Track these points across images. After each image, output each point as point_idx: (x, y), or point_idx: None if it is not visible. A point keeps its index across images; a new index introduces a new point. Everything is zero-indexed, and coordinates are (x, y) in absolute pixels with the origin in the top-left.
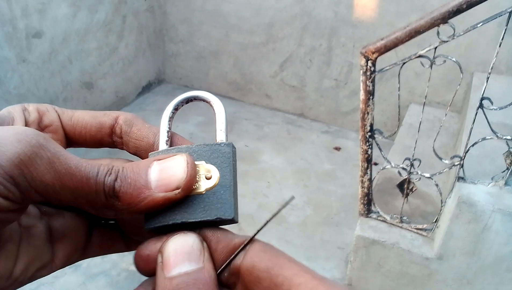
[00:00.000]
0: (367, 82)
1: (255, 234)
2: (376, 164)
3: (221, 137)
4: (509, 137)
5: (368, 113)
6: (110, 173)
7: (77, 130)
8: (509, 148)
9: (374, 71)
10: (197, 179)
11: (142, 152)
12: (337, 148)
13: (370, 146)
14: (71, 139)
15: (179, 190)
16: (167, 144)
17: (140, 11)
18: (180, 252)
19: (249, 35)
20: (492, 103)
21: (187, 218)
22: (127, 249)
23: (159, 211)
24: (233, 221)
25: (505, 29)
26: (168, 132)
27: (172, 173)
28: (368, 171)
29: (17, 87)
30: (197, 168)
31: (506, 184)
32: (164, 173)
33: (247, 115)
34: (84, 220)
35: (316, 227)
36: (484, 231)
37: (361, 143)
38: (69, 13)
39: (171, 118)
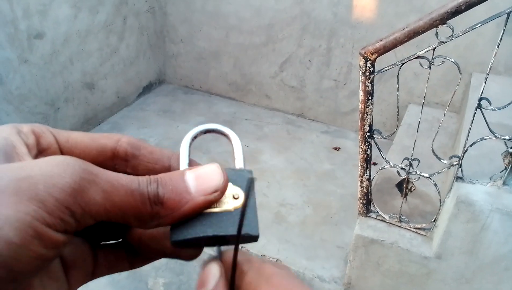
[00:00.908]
0: (366, 82)
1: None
2: (375, 164)
3: (240, 165)
4: (507, 137)
5: (367, 113)
6: (151, 182)
7: (75, 153)
8: (507, 148)
9: (373, 71)
10: (224, 199)
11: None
12: (337, 148)
13: (369, 146)
14: None
15: (217, 193)
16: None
17: (141, 12)
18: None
19: (249, 36)
20: (490, 103)
21: (218, 232)
22: (131, 267)
23: (186, 225)
24: (256, 238)
25: (504, 30)
26: (187, 156)
27: (208, 178)
28: (367, 171)
29: (18, 87)
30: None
31: (504, 183)
32: (200, 179)
33: (247, 115)
34: (89, 244)
35: (316, 227)
36: (483, 231)
37: (360, 143)
38: (70, 14)
39: (190, 144)
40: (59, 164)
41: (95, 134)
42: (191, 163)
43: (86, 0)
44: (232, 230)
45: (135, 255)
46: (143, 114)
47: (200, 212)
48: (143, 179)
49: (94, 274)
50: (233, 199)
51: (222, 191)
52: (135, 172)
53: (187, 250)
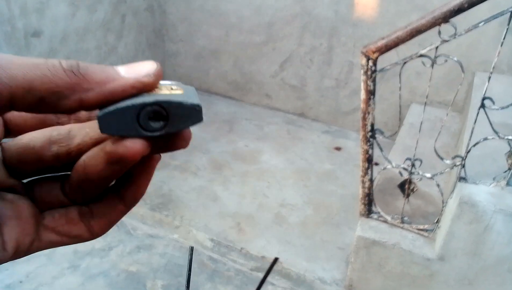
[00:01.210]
0: (368, 81)
1: None
2: (377, 164)
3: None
4: (510, 137)
5: (369, 112)
6: (66, 60)
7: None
8: (511, 148)
9: (375, 70)
10: (161, 90)
11: None
12: (338, 148)
13: (371, 146)
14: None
15: (151, 75)
16: None
17: (140, 11)
18: None
19: (249, 35)
20: (493, 102)
21: (151, 99)
22: (90, 234)
23: (116, 104)
24: (199, 111)
25: (507, 29)
26: None
27: (141, 65)
28: (369, 171)
29: None
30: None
31: (508, 184)
32: (131, 66)
33: (247, 115)
34: (29, 202)
35: (317, 228)
36: (486, 232)
37: (362, 143)
38: (68, 12)
39: None
40: None
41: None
42: None
43: None
44: (168, 98)
45: (89, 215)
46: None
47: (132, 95)
48: (53, 59)
49: (40, 237)
50: (171, 90)
51: (156, 75)
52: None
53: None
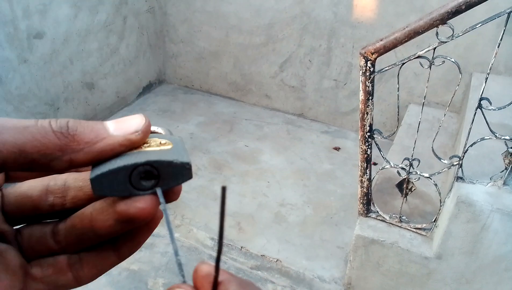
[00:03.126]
0: (367, 82)
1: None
2: (375, 164)
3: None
4: (507, 137)
5: (367, 113)
6: (56, 121)
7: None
8: (507, 148)
9: (374, 71)
10: (151, 144)
11: None
12: (337, 148)
13: (370, 146)
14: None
15: (138, 132)
16: None
17: (141, 12)
18: None
19: (249, 36)
20: (490, 103)
21: (142, 158)
22: (77, 283)
23: (107, 163)
24: (189, 169)
25: (504, 30)
26: None
27: (129, 121)
28: (368, 171)
29: (18, 87)
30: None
31: (504, 184)
32: (120, 121)
33: (247, 115)
34: (17, 252)
35: (316, 227)
36: (483, 231)
37: (361, 143)
38: (70, 14)
39: None
40: None
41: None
42: None
43: None
44: (158, 157)
45: (78, 264)
46: (143, 114)
47: (121, 152)
48: (44, 120)
49: (27, 287)
50: (160, 144)
51: (144, 131)
52: None
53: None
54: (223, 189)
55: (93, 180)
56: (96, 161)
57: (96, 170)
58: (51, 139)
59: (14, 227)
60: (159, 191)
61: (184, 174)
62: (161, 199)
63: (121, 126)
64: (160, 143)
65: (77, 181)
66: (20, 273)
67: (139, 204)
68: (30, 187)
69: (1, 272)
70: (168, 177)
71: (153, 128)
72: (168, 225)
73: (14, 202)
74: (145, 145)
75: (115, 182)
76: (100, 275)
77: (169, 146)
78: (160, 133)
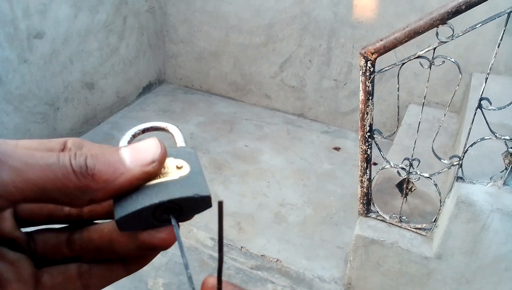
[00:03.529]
0: (367, 82)
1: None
2: (375, 164)
3: (181, 145)
4: (507, 137)
5: (367, 113)
6: (76, 157)
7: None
8: (507, 148)
9: (374, 71)
10: (168, 170)
11: None
12: (337, 148)
13: (370, 146)
14: None
15: (155, 163)
16: None
17: (141, 12)
18: None
19: (249, 36)
20: (490, 103)
21: (164, 197)
22: (84, 288)
23: (129, 200)
24: (209, 200)
25: (504, 30)
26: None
27: (145, 149)
28: (368, 171)
29: (18, 87)
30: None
31: (504, 184)
32: (136, 150)
33: (247, 115)
34: (29, 261)
35: (316, 227)
36: (483, 231)
37: (361, 143)
38: (70, 14)
39: (129, 142)
40: None
41: (43, 140)
42: None
43: None
44: (180, 193)
45: (87, 274)
46: (143, 114)
47: (140, 185)
48: (64, 154)
49: None
50: (176, 169)
51: (160, 161)
52: None
53: (144, 235)
54: (220, 205)
55: (118, 222)
56: (114, 196)
57: (119, 208)
58: (72, 179)
59: (23, 230)
60: (174, 221)
61: (204, 205)
62: (177, 232)
63: (137, 157)
64: (177, 167)
65: None
66: (31, 282)
67: (163, 235)
68: None
69: (14, 281)
70: (189, 210)
71: (162, 125)
72: (181, 247)
73: (29, 209)
74: (163, 170)
75: (139, 220)
76: (107, 285)
77: (187, 170)
78: (169, 132)
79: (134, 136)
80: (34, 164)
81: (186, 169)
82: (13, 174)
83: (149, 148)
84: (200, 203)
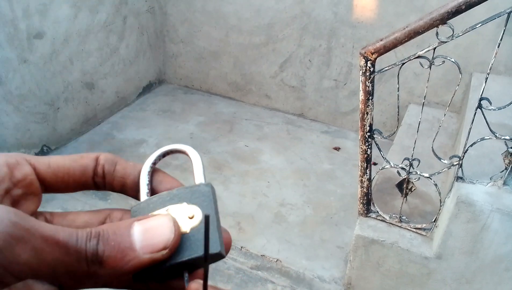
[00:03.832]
0: (367, 82)
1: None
2: (375, 164)
3: (200, 179)
4: (507, 137)
5: (367, 113)
6: (90, 238)
7: (59, 177)
8: (507, 148)
9: (374, 71)
10: (180, 218)
11: (128, 189)
12: (337, 148)
13: (370, 146)
14: (51, 187)
15: (166, 251)
16: (147, 196)
17: (141, 12)
18: None
19: (249, 36)
20: (490, 103)
21: (175, 259)
22: None
23: None
24: (220, 255)
25: (504, 30)
26: (147, 185)
27: (158, 232)
28: (368, 171)
29: (18, 87)
30: (180, 228)
31: (504, 184)
32: (149, 233)
33: (247, 115)
34: None
35: (316, 227)
36: (483, 231)
37: (361, 143)
38: (70, 14)
39: (149, 173)
40: None
41: (74, 155)
42: (154, 177)
43: None
44: (189, 254)
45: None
46: (143, 114)
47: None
48: (82, 234)
49: None
50: (188, 219)
51: (172, 249)
52: (111, 188)
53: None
54: (207, 219)
55: (134, 279)
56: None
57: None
58: (82, 265)
59: None
60: (186, 277)
61: (215, 258)
62: (187, 283)
63: (149, 242)
64: (189, 217)
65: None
66: None
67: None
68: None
69: None
70: (200, 262)
71: (182, 149)
72: None
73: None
74: None
75: (151, 275)
76: None
77: (198, 220)
78: (188, 157)
79: (154, 163)
80: (54, 245)
81: (197, 219)
82: (31, 255)
83: (162, 231)
84: (212, 259)
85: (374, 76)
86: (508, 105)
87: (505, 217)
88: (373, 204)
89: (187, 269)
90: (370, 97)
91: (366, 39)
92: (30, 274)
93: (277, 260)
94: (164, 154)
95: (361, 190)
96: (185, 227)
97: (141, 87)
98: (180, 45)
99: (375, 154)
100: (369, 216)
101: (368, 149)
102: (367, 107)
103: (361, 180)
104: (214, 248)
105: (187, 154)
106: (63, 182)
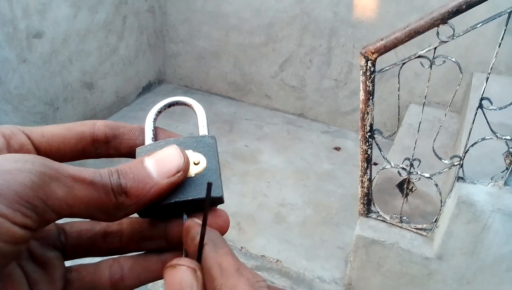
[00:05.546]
0: (367, 82)
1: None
2: (376, 164)
3: (204, 132)
4: (508, 137)
5: (368, 113)
6: (112, 174)
7: (54, 146)
8: (508, 148)
9: (374, 71)
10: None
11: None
12: (337, 148)
13: (370, 146)
14: (47, 156)
15: (180, 173)
16: (152, 141)
17: (141, 12)
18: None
19: (249, 36)
20: (491, 103)
21: (180, 198)
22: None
23: None
24: (221, 199)
25: (505, 30)
26: (152, 130)
27: (168, 160)
28: (368, 171)
29: (17, 87)
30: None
31: (505, 184)
32: (160, 162)
33: (247, 115)
34: (60, 261)
35: (316, 227)
36: (484, 231)
37: (361, 143)
38: (69, 14)
39: (155, 119)
40: (17, 161)
41: (69, 124)
42: (157, 134)
43: None
44: (193, 195)
45: (119, 275)
46: (142, 114)
47: (167, 194)
48: (104, 171)
49: None
50: (193, 165)
51: (185, 170)
52: (117, 152)
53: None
54: (209, 186)
55: (140, 214)
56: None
57: (146, 213)
58: (111, 198)
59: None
60: (185, 217)
61: (216, 202)
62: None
63: (163, 169)
64: (194, 163)
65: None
66: (60, 283)
67: (220, 221)
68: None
69: (43, 282)
70: (202, 205)
71: (188, 101)
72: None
73: (77, 238)
74: None
75: (156, 213)
76: (139, 286)
77: (203, 166)
78: (193, 110)
79: (159, 112)
80: (82, 182)
81: (202, 165)
82: (65, 191)
83: (172, 157)
84: (212, 202)
85: (374, 76)
86: (509, 105)
87: (506, 218)
88: (373, 204)
89: (188, 211)
90: (371, 97)
91: (366, 38)
92: (67, 210)
93: (277, 260)
94: (170, 105)
95: (361, 190)
96: (191, 172)
97: (141, 87)
98: (180, 45)
99: (375, 154)
100: (370, 217)
101: (369, 149)
102: (367, 107)
103: (362, 180)
104: (216, 193)
105: (192, 107)
106: (58, 151)
